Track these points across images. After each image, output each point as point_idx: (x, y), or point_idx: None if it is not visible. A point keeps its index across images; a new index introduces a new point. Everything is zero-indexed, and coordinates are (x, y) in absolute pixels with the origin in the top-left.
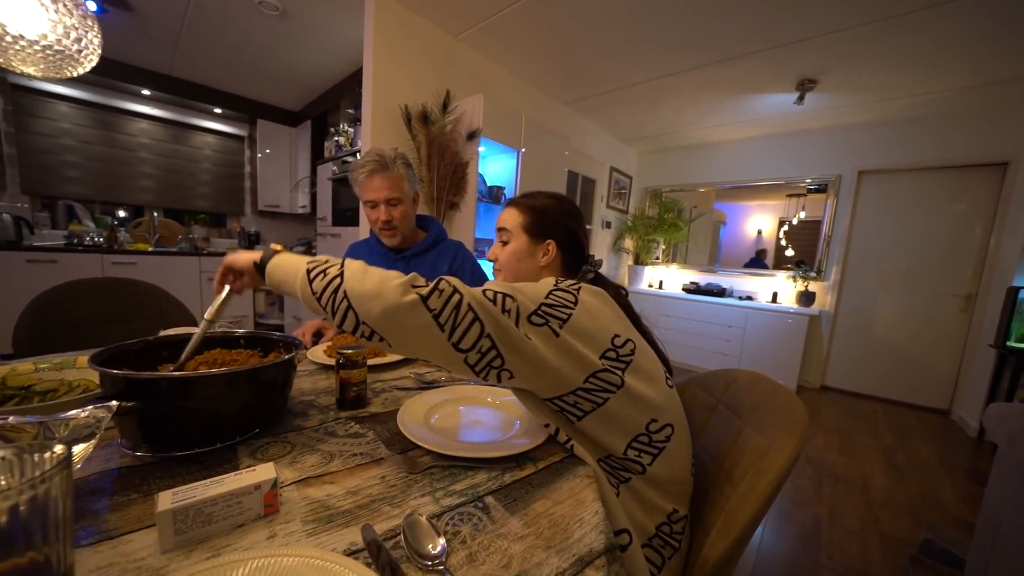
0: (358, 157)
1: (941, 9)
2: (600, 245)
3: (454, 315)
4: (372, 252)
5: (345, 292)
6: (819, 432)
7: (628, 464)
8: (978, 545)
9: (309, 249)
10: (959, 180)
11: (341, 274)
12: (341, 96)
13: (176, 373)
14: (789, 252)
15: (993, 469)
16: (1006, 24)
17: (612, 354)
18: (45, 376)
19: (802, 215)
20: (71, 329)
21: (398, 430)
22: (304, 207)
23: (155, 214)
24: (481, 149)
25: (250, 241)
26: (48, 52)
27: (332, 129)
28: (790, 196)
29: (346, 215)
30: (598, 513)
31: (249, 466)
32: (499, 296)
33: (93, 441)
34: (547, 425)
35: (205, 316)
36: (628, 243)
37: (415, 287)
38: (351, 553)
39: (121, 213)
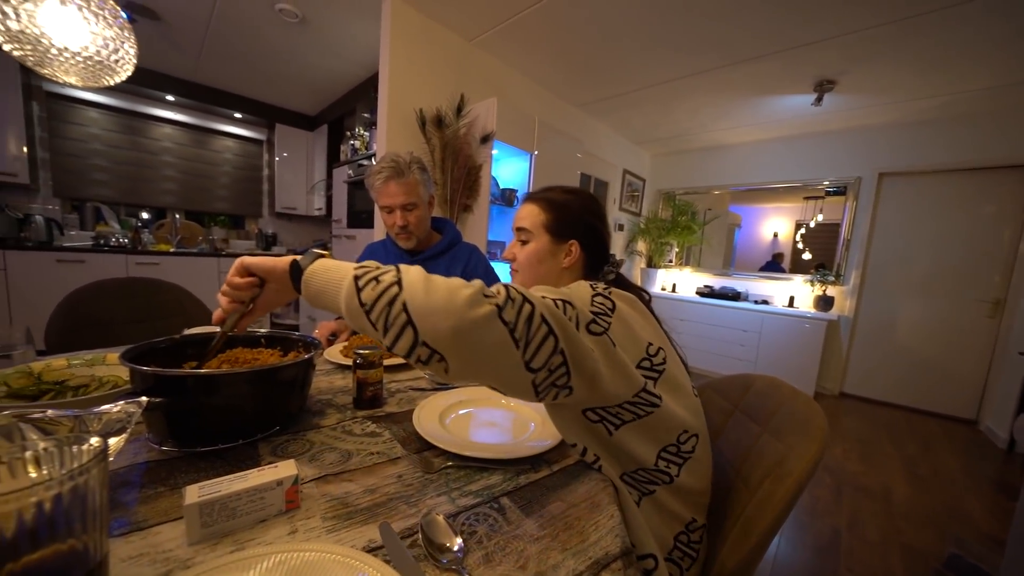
0: (373, 161)
1: (955, 11)
2: (613, 248)
3: (527, 328)
4: (388, 254)
5: (405, 304)
6: (838, 440)
7: (657, 475)
8: (1011, 560)
9: (325, 249)
10: (985, 182)
11: (398, 281)
12: (357, 101)
13: (202, 371)
14: (806, 256)
15: None
16: (1020, 27)
17: (647, 363)
18: (77, 372)
19: (820, 218)
20: (99, 327)
21: (414, 430)
22: (320, 209)
23: (177, 216)
24: (494, 152)
25: (267, 243)
26: (89, 63)
27: (348, 133)
28: (807, 199)
29: (361, 217)
30: (614, 516)
31: (270, 463)
32: (559, 303)
33: (124, 435)
34: (573, 445)
35: (220, 328)
36: (641, 246)
37: (487, 296)
38: (370, 550)
39: (144, 215)
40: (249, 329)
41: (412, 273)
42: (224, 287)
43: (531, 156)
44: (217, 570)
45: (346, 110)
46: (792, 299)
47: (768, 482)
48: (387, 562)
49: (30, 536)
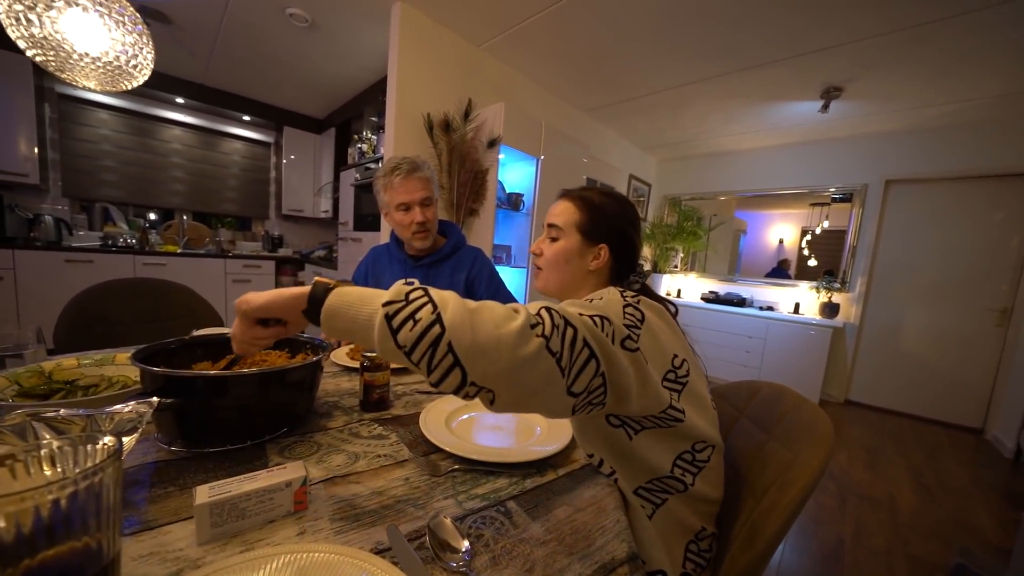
0: (379, 165)
1: (964, 19)
2: None
3: (571, 354)
4: (392, 259)
5: (451, 345)
6: (843, 448)
7: (671, 484)
8: (1016, 571)
9: (330, 253)
10: (993, 190)
11: (438, 320)
12: (365, 104)
13: (212, 372)
14: (812, 262)
15: None
16: None
17: (671, 375)
18: (87, 371)
19: (826, 224)
20: (108, 327)
21: (420, 433)
22: (326, 212)
23: (184, 217)
24: (501, 156)
25: (273, 244)
26: (109, 68)
27: (355, 136)
28: (813, 205)
29: (367, 220)
30: (620, 522)
31: (278, 464)
32: (597, 320)
33: (136, 435)
34: (591, 456)
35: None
36: (646, 251)
37: (533, 327)
38: (378, 552)
39: (152, 216)
40: None
41: (451, 306)
42: (245, 343)
43: (538, 161)
44: (227, 570)
45: (354, 114)
46: (797, 306)
47: (774, 489)
48: (395, 564)
49: (47, 532)
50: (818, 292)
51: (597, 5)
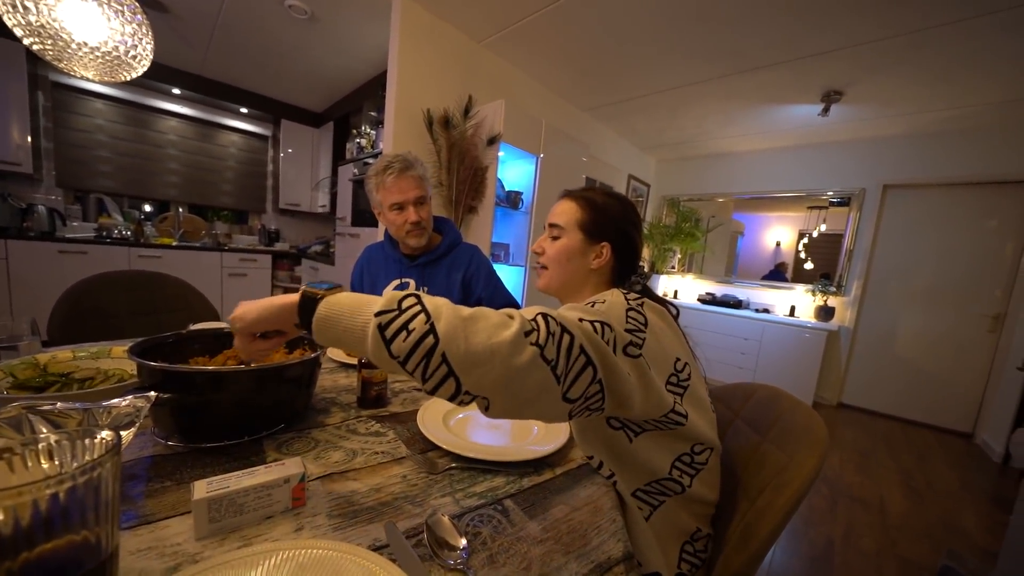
0: (373, 162)
1: (966, 25)
2: None
3: (567, 361)
4: (387, 258)
5: (444, 356)
6: (835, 451)
7: (669, 485)
8: (1001, 573)
9: (327, 248)
10: (990, 197)
11: (432, 330)
12: (364, 99)
13: (209, 368)
14: (808, 265)
15: (1021, 496)
16: None
17: (674, 379)
18: (83, 364)
19: (823, 228)
20: (102, 319)
21: (418, 430)
22: (324, 206)
23: (180, 209)
24: (500, 154)
25: (270, 238)
26: (107, 58)
27: (354, 131)
28: (811, 208)
29: (365, 216)
30: (616, 521)
31: (275, 460)
32: (598, 325)
33: (133, 429)
34: (590, 458)
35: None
36: (644, 252)
37: (527, 334)
38: (376, 548)
39: (147, 207)
40: None
41: (445, 315)
42: (250, 356)
43: (537, 159)
44: (225, 565)
45: (353, 108)
46: (793, 308)
47: (768, 490)
48: (393, 561)
49: (45, 526)
50: (814, 295)
51: (597, 4)
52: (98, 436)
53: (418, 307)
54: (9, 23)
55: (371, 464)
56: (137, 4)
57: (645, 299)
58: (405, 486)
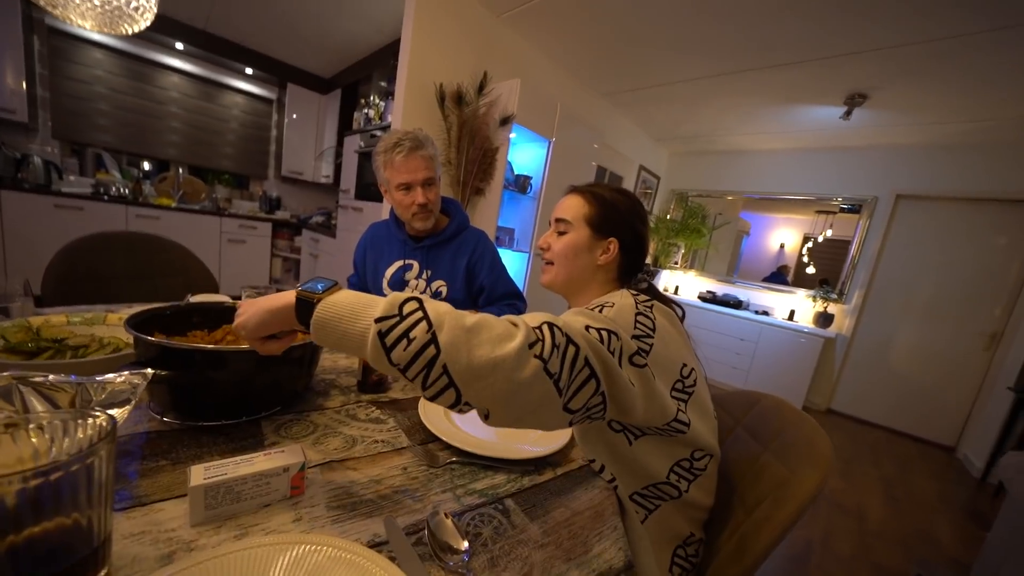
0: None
1: (996, 36)
2: None
3: (570, 373)
4: (391, 238)
5: (446, 367)
6: None
7: (666, 490)
8: None
9: (329, 220)
10: (1000, 214)
11: (433, 340)
12: (374, 67)
13: (209, 347)
14: (810, 270)
15: (1001, 515)
16: None
17: (679, 385)
18: (77, 331)
19: (829, 233)
20: (98, 281)
21: (419, 419)
22: (327, 177)
23: (180, 170)
24: (512, 135)
25: (271, 205)
26: (107, 8)
27: (362, 101)
28: (819, 212)
29: (370, 190)
30: (617, 528)
31: (273, 443)
32: (604, 334)
33: (128, 407)
34: (592, 461)
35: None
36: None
37: (531, 346)
38: (375, 545)
39: (147, 166)
40: None
41: (447, 325)
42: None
43: (549, 143)
44: (225, 558)
45: (362, 76)
46: (792, 313)
47: (768, 503)
48: (392, 559)
49: (33, 507)
50: (814, 301)
51: None
52: (93, 418)
53: (420, 313)
54: None
55: (371, 453)
56: None
57: (655, 301)
58: (405, 479)
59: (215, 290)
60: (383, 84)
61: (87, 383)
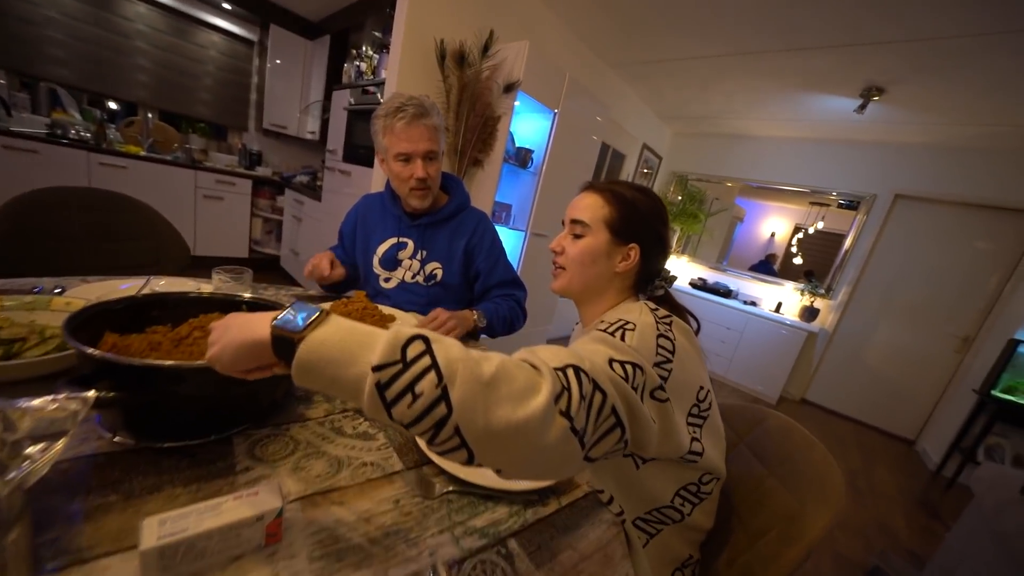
0: (380, 93)
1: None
2: None
3: (596, 423)
4: (385, 213)
5: (458, 429)
6: None
7: (669, 513)
8: None
9: (314, 180)
10: (996, 222)
11: (444, 397)
12: (368, 14)
13: (168, 363)
14: (797, 260)
15: (963, 519)
16: None
17: (695, 410)
18: (15, 318)
19: (820, 225)
20: (52, 243)
21: (412, 437)
22: (313, 133)
23: (150, 115)
24: (516, 103)
25: (251, 160)
26: None
27: (354, 51)
28: (813, 204)
29: (359, 152)
30: (628, 575)
31: (247, 468)
32: (629, 369)
33: (60, 444)
34: (600, 491)
35: None
36: None
37: (556, 399)
38: None
39: (112, 105)
40: (229, 292)
41: (461, 377)
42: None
43: (554, 115)
44: None
45: (354, 23)
46: (780, 305)
47: (775, 537)
48: None
49: None
50: (802, 295)
51: None
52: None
53: (427, 359)
54: None
55: (359, 481)
56: None
57: (674, 318)
58: (398, 515)
59: (187, 258)
60: (377, 35)
61: (7, 409)
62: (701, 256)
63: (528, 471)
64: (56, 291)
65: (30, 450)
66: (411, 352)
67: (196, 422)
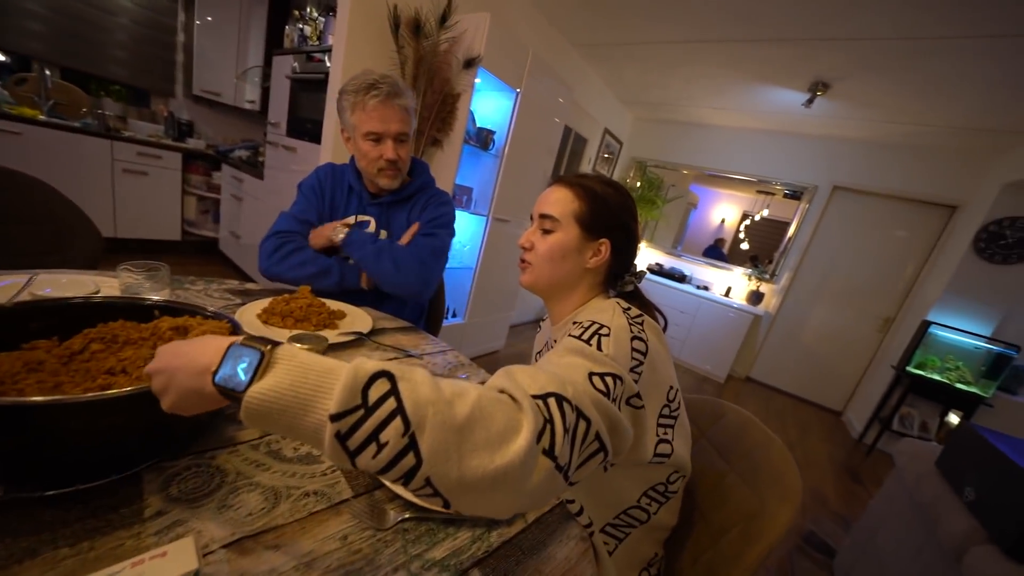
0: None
1: (974, 43)
2: None
3: (580, 452)
4: (348, 189)
5: (429, 480)
6: None
7: (636, 514)
8: (852, 541)
9: (255, 156)
10: (917, 213)
11: (412, 446)
12: None
13: (51, 399)
14: (744, 246)
15: (885, 487)
16: (1008, 74)
17: (666, 411)
18: None
19: (765, 213)
20: None
21: None
22: (252, 103)
23: (47, 72)
24: (477, 81)
25: (180, 131)
26: None
27: (296, 12)
28: (759, 192)
29: (305, 127)
30: None
31: (159, 512)
32: (609, 382)
33: None
34: (571, 502)
35: None
36: None
37: (539, 436)
38: None
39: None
40: (138, 295)
41: (431, 422)
42: None
43: (516, 94)
44: None
45: None
46: (729, 289)
47: (737, 535)
48: None
49: None
50: (749, 279)
51: None
52: None
53: (392, 403)
54: None
55: (299, 516)
56: None
57: (645, 318)
58: (345, 554)
59: (98, 242)
60: None
61: None
62: (658, 242)
63: (509, 512)
64: None
65: None
66: (373, 394)
67: (90, 460)
